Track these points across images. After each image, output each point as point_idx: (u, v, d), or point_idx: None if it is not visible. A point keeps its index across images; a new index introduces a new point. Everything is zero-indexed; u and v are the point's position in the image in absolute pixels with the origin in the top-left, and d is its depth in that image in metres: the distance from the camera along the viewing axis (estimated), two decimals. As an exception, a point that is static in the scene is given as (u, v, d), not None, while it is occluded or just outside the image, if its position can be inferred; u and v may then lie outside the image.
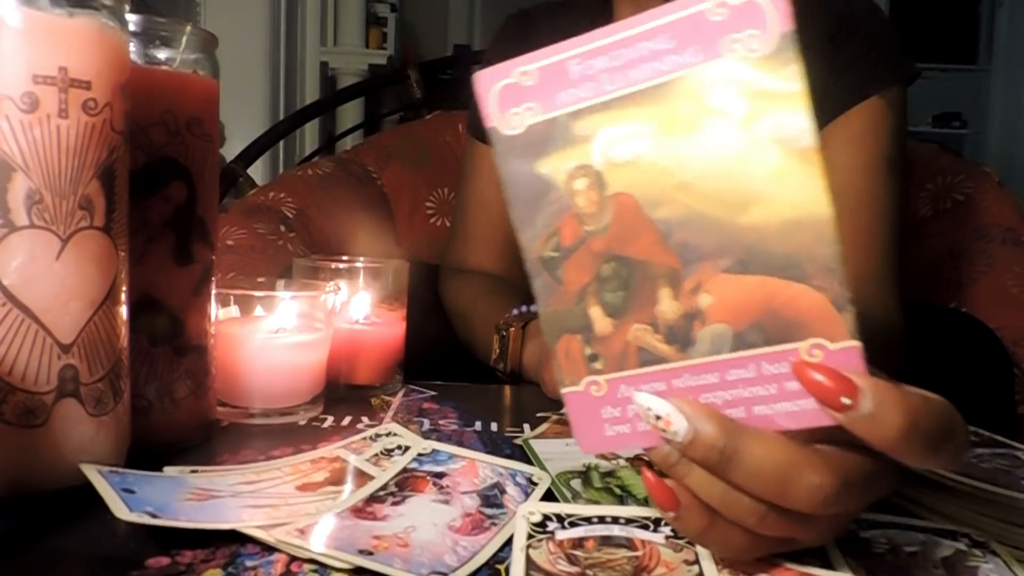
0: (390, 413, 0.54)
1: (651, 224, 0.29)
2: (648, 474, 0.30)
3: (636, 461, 0.45)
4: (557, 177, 0.30)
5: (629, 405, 0.30)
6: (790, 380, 0.28)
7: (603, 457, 0.45)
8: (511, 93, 0.30)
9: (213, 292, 0.47)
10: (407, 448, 0.44)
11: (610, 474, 0.43)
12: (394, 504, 0.37)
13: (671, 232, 0.29)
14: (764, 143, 0.27)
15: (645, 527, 0.35)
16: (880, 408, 0.26)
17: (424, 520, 0.35)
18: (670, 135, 0.28)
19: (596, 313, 0.31)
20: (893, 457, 0.28)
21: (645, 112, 0.29)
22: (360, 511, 0.36)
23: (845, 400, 0.27)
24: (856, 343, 0.27)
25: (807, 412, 0.28)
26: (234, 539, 0.33)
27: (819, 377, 0.27)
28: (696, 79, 0.28)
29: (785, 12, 0.26)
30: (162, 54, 0.44)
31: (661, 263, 0.29)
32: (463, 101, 1.21)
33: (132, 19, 0.40)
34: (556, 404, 0.58)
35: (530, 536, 0.33)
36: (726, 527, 0.30)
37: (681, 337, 0.29)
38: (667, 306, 0.30)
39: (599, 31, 0.29)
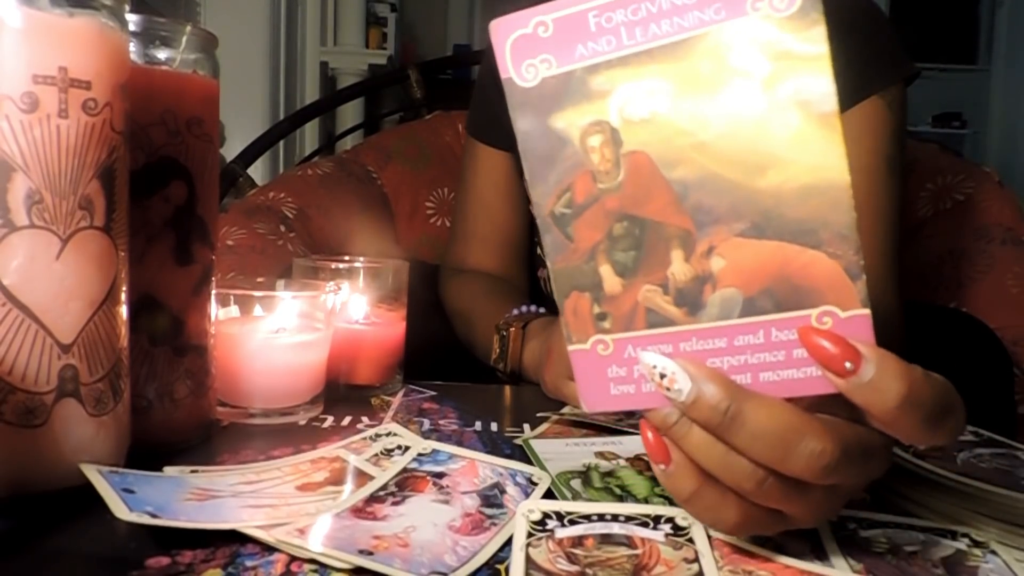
0: (390, 413, 0.54)
1: (666, 184, 0.29)
2: (645, 429, 0.30)
3: (636, 462, 0.45)
4: (572, 132, 0.29)
5: (635, 365, 0.30)
6: (798, 347, 0.28)
7: (603, 457, 0.45)
8: (527, 44, 0.29)
9: (213, 292, 0.47)
10: (407, 448, 0.44)
11: (610, 474, 0.43)
12: (394, 504, 0.37)
13: (686, 193, 0.29)
14: (785, 106, 0.27)
15: (645, 525, 0.35)
16: (881, 376, 0.27)
17: (424, 520, 0.35)
18: (689, 94, 0.28)
19: (606, 272, 0.30)
20: (891, 431, 0.28)
21: (664, 69, 0.28)
22: (360, 511, 0.36)
23: (848, 364, 0.27)
24: (866, 311, 0.27)
25: (812, 380, 0.28)
26: (234, 539, 0.33)
27: (823, 342, 0.27)
28: (718, 37, 0.27)
29: None
30: (162, 54, 0.44)
31: (675, 224, 0.29)
32: (463, 101, 1.21)
33: (132, 19, 0.40)
34: (556, 404, 0.58)
35: (530, 535, 0.33)
36: (717, 495, 0.30)
37: (691, 300, 0.29)
38: (678, 268, 0.29)
39: None
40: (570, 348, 0.31)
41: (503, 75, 0.30)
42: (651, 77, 0.28)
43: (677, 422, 0.29)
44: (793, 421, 0.28)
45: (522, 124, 0.30)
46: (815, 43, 0.26)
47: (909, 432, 0.28)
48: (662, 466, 0.30)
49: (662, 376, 0.29)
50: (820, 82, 0.27)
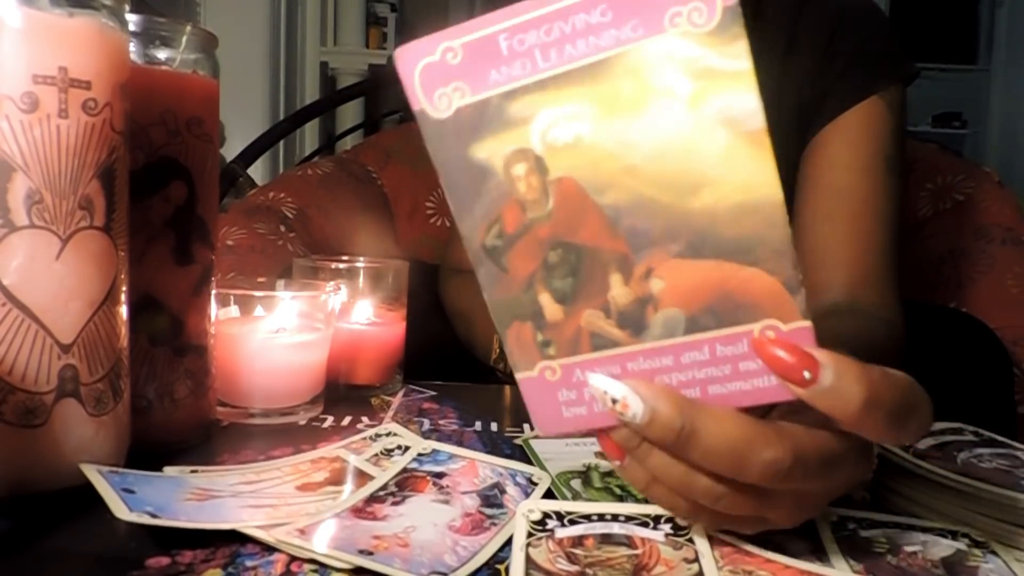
0: (390, 413, 0.54)
1: (597, 209, 0.28)
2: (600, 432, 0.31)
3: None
4: (495, 162, 0.28)
5: (585, 388, 0.30)
6: (744, 360, 0.28)
7: (603, 457, 0.45)
8: (436, 72, 0.28)
9: (213, 292, 0.47)
10: (407, 448, 0.44)
11: (610, 474, 0.43)
12: (394, 504, 0.37)
13: (619, 217, 0.28)
14: (712, 124, 0.26)
15: (645, 525, 0.35)
16: (840, 381, 0.27)
17: (424, 520, 0.35)
18: (613, 116, 0.27)
19: (546, 300, 0.30)
20: (856, 432, 0.28)
21: (585, 91, 0.27)
22: (360, 511, 0.36)
23: (806, 374, 0.27)
24: (807, 323, 0.27)
25: (762, 389, 0.28)
26: (234, 539, 0.33)
27: (780, 353, 0.27)
28: (637, 56, 0.26)
29: None
30: (162, 54, 0.44)
31: (610, 249, 0.29)
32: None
33: (132, 19, 0.40)
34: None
35: (530, 534, 0.33)
36: (667, 490, 0.31)
37: (634, 322, 0.29)
38: (618, 292, 0.29)
39: (529, 2, 0.27)
40: (518, 376, 0.31)
41: (414, 107, 0.28)
42: (572, 101, 0.27)
43: (639, 446, 0.30)
44: (746, 432, 0.28)
45: (440, 157, 0.29)
46: (738, 59, 0.26)
47: (874, 433, 0.28)
48: (617, 462, 0.31)
49: (614, 401, 0.29)
50: (746, 99, 0.26)
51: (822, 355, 0.27)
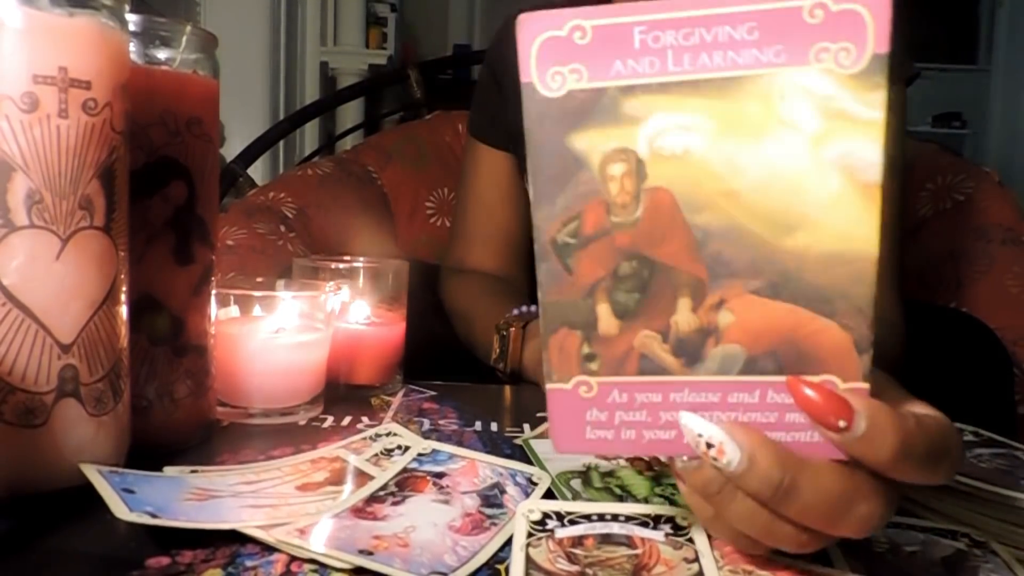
0: (390, 413, 0.54)
1: (686, 228, 0.27)
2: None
3: (636, 462, 0.45)
4: (592, 156, 0.27)
5: (618, 411, 0.29)
6: (791, 411, 0.27)
7: (603, 457, 0.45)
8: (557, 48, 0.26)
9: (213, 292, 0.47)
10: (407, 448, 0.44)
11: (610, 474, 0.43)
12: (394, 504, 0.37)
13: (706, 241, 0.27)
14: (829, 168, 0.25)
15: (645, 525, 0.35)
16: (874, 430, 0.26)
17: (424, 520, 0.35)
18: (729, 136, 0.26)
19: (604, 311, 0.28)
20: (887, 476, 0.28)
21: (708, 105, 0.26)
22: (360, 511, 0.36)
23: (841, 423, 0.26)
24: (865, 385, 0.27)
25: (802, 444, 0.28)
26: (234, 539, 0.33)
27: (811, 393, 0.27)
28: (773, 81, 0.25)
29: (884, 31, 0.25)
30: (162, 54, 0.44)
31: (688, 272, 0.27)
32: (463, 101, 1.21)
33: (132, 19, 0.40)
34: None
35: (530, 534, 0.33)
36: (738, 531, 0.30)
37: (690, 352, 0.28)
38: (684, 317, 0.28)
39: (673, 1, 0.26)
40: (549, 386, 0.30)
41: (523, 79, 0.27)
42: (692, 111, 0.26)
43: (720, 490, 0.28)
44: (846, 486, 0.27)
45: (536, 137, 0.27)
46: (873, 108, 0.25)
47: (905, 477, 0.28)
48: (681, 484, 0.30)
49: (709, 445, 0.27)
50: (870, 150, 0.25)
51: (857, 401, 0.26)
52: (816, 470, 0.27)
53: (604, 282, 0.28)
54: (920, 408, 0.29)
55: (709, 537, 0.34)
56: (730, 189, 0.26)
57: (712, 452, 0.27)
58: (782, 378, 0.27)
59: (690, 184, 0.27)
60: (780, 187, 0.26)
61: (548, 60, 0.26)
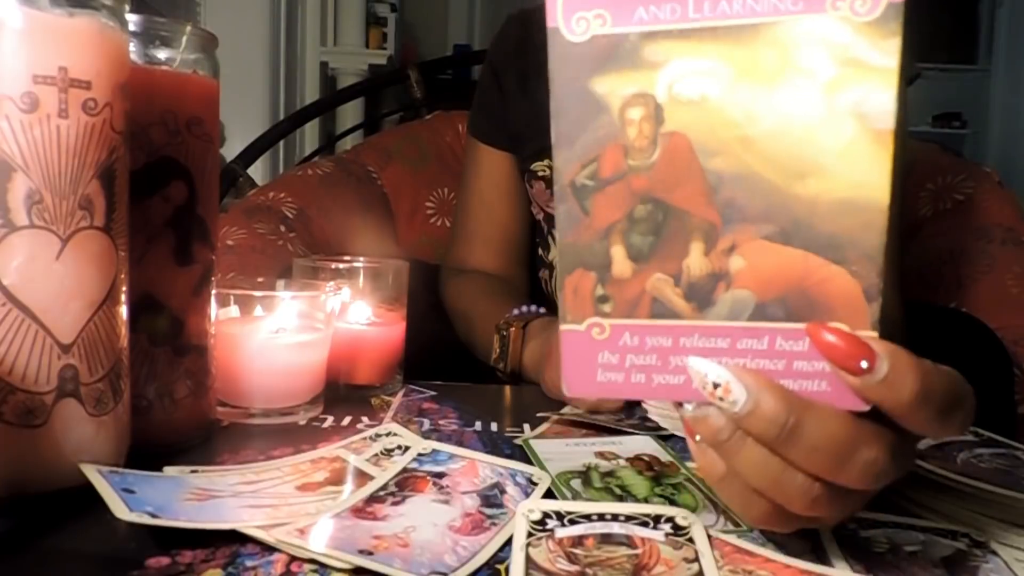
0: (390, 413, 0.54)
1: (701, 173, 0.27)
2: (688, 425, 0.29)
3: (636, 462, 0.45)
4: (612, 100, 0.27)
5: (628, 354, 0.29)
6: (799, 359, 0.28)
7: (603, 457, 0.45)
8: None
9: (213, 292, 0.47)
10: (407, 448, 0.44)
11: (610, 474, 0.43)
12: (394, 504, 0.37)
13: (720, 186, 0.27)
14: (842, 114, 0.26)
15: (645, 525, 0.35)
16: (895, 373, 0.26)
17: (424, 520, 0.35)
18: (745, 83, 0.27)
19: (618, 253, 0.29)
20: (903, 424, 0.28)
21: (726, 51, 0.26)
22: (360, 511, 0.36)
23: (863, 363, 0.26)
24: (874, 334, 0.27)
25: (807, 392, 0.28)
26: (234, 539, 0.33)
27: (832, 338, 0.27)
28: (789, 29, 0.26)
29: None
30: (162, 54, 0.44)
31: (701, 216, 0.28)
32: (463, 101, 1.22)
33: (132, 19, 0.40)
34: (556, 404, 0.58)
35: (530, 534, 0.33)
36: (749, 491, 0.29)
37: (701, 296, 0.28)
38: (696, 261, 0.28)
39: None
40: (563, 327, 0.30)
41: (550, 23, 0.27)
42: (710, 57, 0.27)
43: (730, 438, 0.28)
44: (850, 431, 0.27)
45: (559, 81, 0.28)
46: (888, 55, 0.25)
47: (922, 426, 0.28)
48: (698, 436, 0.29)
49: (716, 385, 0.28)
50: (883, 97, 0.26)
51: (878, 345, 0.27)
52: (821, 413, 0.27)
53: (619, 224, 0.29)
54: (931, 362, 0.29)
55: (709, 537, 0.34)
56: (745, 135, 0.27)
57: (719, 392, 0.28)
58: (791, 325, 0.28)
59: (706, 129, 0.27)
60: (794, 133, 0.26)
61: (574, 5, 0.27)
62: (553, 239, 0.89)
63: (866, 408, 0.27)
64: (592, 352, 0.30)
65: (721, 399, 0.28)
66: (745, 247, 0.28)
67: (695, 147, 0.27)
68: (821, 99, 0.26)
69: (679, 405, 0.30)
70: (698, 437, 0.29)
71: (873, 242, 0.26)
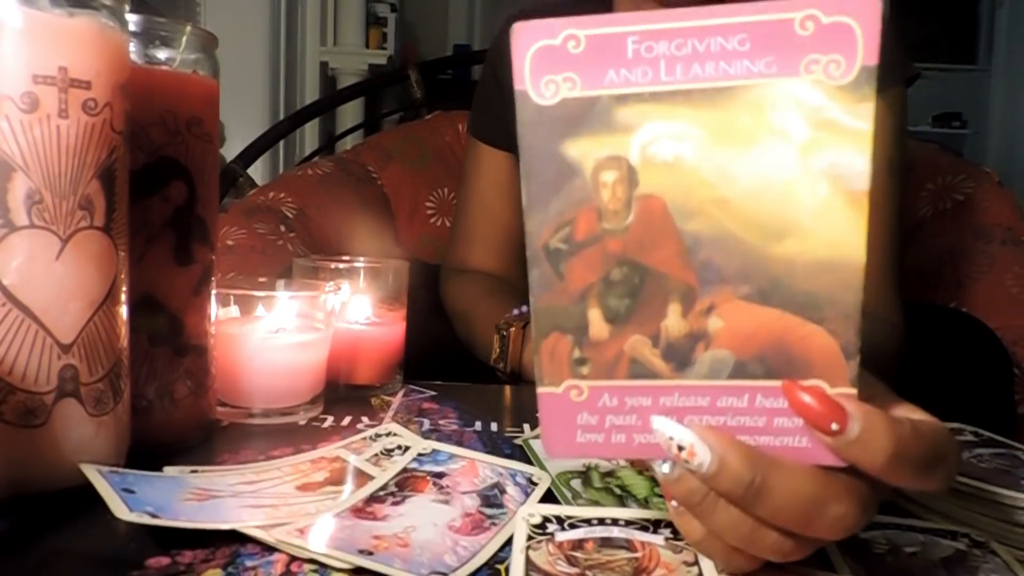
0: (390, 413, 0.54)
1: (677, 235, 0.27)
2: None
3: (636, 462, 0.45)
4: (585, 163, 0.27)
5: (608, 415, 0.29)
6: (780, 416, 0.28)
7: (603, 457, 0.45)
8: (551, 57, 0.27)
9: (213, 292, 0.47)
10: (407, 448, 0.44)
11: (610, 474, 0.43)
12: (394, 504, 0.37)
13: (697, 248, 0.27)
14: (817, 176, 0.26)
15: (645, 528, 0.35)
16: (868, 434, 0.26)
17: (424, 520, 0.35)
18: (720, 145, 0.26)
19: (595, 316, 0.29)
20: (881, 481, 0.28)
21: (699, 115, 0.26)
22: (360, 511, 0.36)
23: (834, 425, 0.26)
24: (853, 391, 0.27)
25: (790, 449, 0.28)
26: (234, 539, 0.33)
27: (807, 398, 0.27)
28: (763, 92, 0.26)
29: (874, 44, 0.25)
30: (162, 54, 0.44)
31: (678, 278, 0.28)
32: (463, 101, 1.21)
33: (132, 19, 0.40)
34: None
35: (530, 538, 0.33)
36: (728, 547, 0.29)
37: (680, 356, 0.28)
38: (674, 323, 0.28)
39: (666, 11, 0.26)
40: (540, 390, 0.30)
41: (517, 86, 0.27)
42: (683, 120, 0.26)
43: (703, 500, 0.28)
44: (817, 487, 0.27)
45: (529, 144, 0.28)
46: (861, 119, 0.25)
47: (899, 483, 0.28)
48: (673, 504, 0.30)
49: (680, 448, 0.28)
50: (858, 159, 0.26)
51: (850, 405, 0.27)
52: (788, 471, 0.27)
53: (595, 287, 0.28)
54: (914, 413, 0.29)
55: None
56: (721, 197, 0.27)
57: (684, 455, 0.27)
58: (771, 382, 0.28)
59: (681, 191, 0.27)
60: (770, 195, 0.26)
61: (542, 68, 0.27)
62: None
63: (844, 465, 0.27)
64: (571, 414, 0.30)
65: (687, 461, 0.28)
66: (723, 308, 0.28)
67: (670, 209, 0.27)
68: (796, 161, 0.26)
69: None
70: (674, 503, 0.30)
71: (850, 300, 0.26)
